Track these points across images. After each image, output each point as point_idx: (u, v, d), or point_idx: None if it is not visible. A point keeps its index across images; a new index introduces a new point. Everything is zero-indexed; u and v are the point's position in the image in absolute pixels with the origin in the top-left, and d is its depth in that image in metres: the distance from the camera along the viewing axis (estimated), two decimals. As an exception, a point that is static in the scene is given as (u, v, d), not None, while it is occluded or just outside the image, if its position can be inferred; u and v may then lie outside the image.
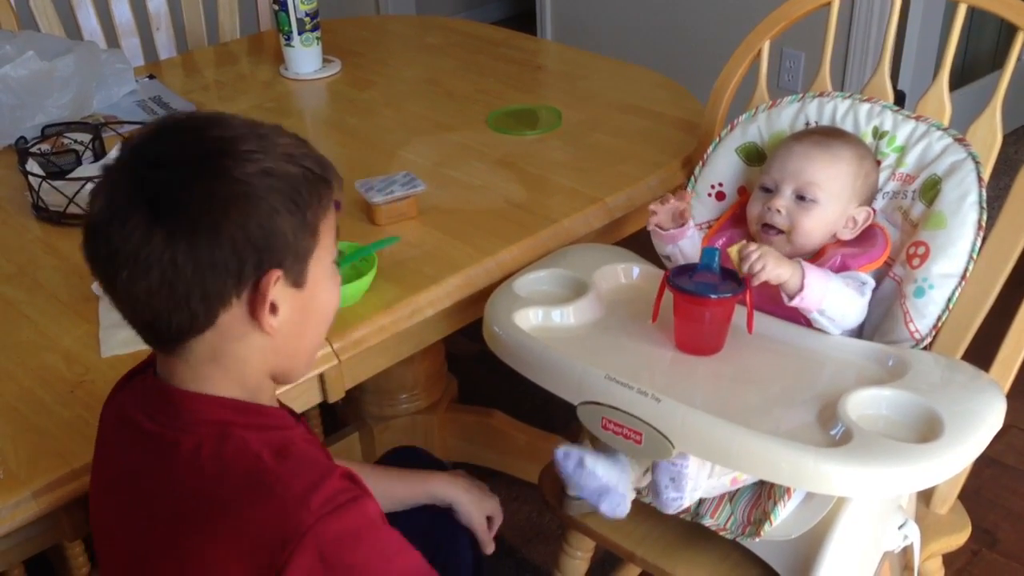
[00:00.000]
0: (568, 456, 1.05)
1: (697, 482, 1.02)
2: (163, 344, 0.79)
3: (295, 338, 0.81)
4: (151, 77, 1.87)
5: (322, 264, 0.80)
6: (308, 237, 0.78)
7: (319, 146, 1.71)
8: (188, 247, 0.72)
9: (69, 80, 1.64)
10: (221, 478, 0.75)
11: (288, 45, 1.83)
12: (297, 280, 0.78)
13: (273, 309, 0.77)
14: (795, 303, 1.08)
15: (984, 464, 1.86)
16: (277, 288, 0.76)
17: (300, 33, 1.80)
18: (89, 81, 1.68)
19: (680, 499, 1.03)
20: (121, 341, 1.11)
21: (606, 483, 1.05)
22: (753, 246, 1.06)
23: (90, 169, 1.41)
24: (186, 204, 0.72)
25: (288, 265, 0.76)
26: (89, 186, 1.32)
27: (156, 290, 0.73)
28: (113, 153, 0.98)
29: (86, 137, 1.51)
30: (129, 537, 0.82)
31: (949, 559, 1.46)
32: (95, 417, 1.00)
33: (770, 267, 1.05)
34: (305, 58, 1.83)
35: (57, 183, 1.35)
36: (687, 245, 1.23)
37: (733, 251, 1.07)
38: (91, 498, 0.90)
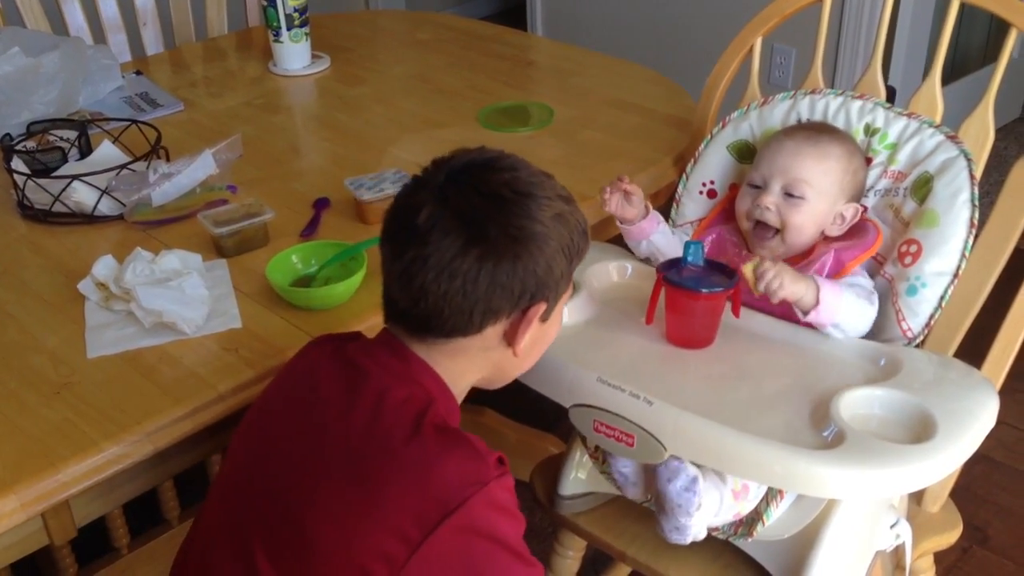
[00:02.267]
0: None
1: (702, 526, 1.02)
2: (423, 332, 0.88)
3: (520, 359, 0.92)
4: (138, 73, 1.85)
5: (562, 304, 0.93)
6: (566, 281, 0.90)
7: (308, 143, 1.71)
8: (492, 269, 0.84)
9: (55, 76, 1.62)
10: (417, 431, 0.82)
11: (277, 41, 1.81)
12: (547, 314, 0.90)
13: (521, 336, 0.88)
14: (810, 318, 1.07)
15: (974, 461, 1.83)
16: (536, 318, 0.88)
17: (289, 29, 1.79)
18: (75, 77, 1.67)
19: (684, 540, 1.03)
20: (108, 342, 1.10)
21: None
22: (768, 264, 1.04)
23: (76, 167, 1.40)
24: (497, 234, 0.84)
25: (550, 300, 0.89)
26: (75, 184, 1.32)
27: (452, 296, 0.84)
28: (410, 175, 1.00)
29: (72, 134, 1.49)
30: (289, 450, 0.87)
31: (940, 556, 1.46)
32: (81, 419, 0.99)
33: (787, 285, 1.04)
34: (294, 54, 1.82)
35: (42, 181, 1.34)
36: (661, 241, 1.21)
37: (748, 269, 1.05)
38: (249, 427, 0.93)
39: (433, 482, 0.79)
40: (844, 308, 1.08)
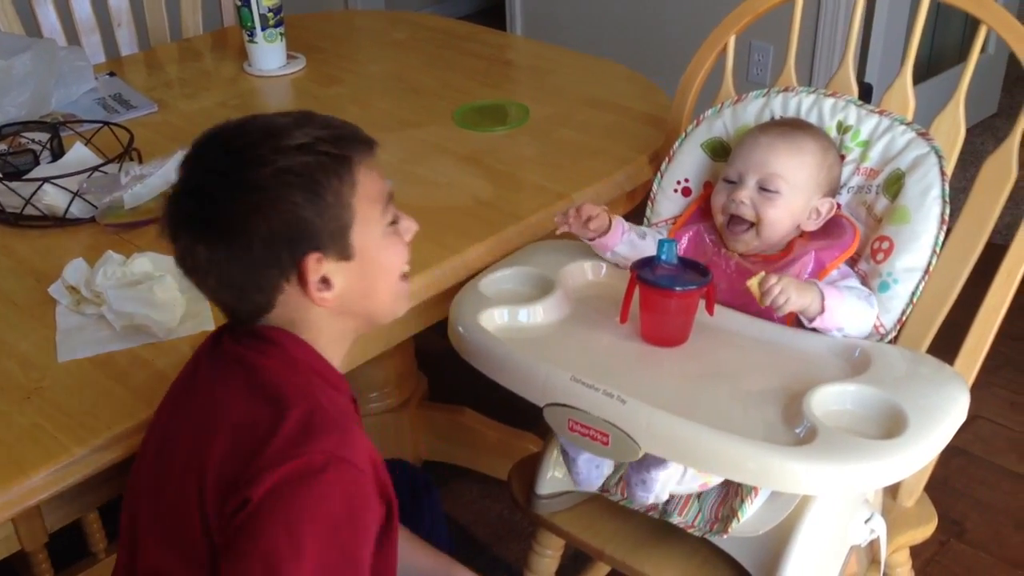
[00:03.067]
0: None
1: (665, 486, 1.02)
2: (244, 321, 0.88)
3: (362, 298, 0.89)
4: (111, 74, 1.83)
5: (368, 231, 0.88)
6: (340, 215, 0.85)
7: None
8: (227, 254, 0.83)
9: (26, 78, 1.61)
10: (283, 383, 0.83)
11: (251, 41, 1.80)
12: (342, 254, 0.86)
13: (326, 283, 0.86)
14: (815, 324, 1.08)
15: (951, 454, 1.87)
16: (323, 266, 0.85)
17: (263, 29, 1.78)
18: (47, 79, 1.65)
19: (646, 497, 1.03)
20: (79, 345, 1.09)
21: None
22: (773, 278, 1.04)
23: (48, 169, 1.39)
24: (215, 220, 0.83)
25: (326, 245, 0.85)
26: (46, 186, 1.31)
27: (220, 289, 0.86)
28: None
29: (44, 136, 1.48)
30: (187, 442, 0.86)
31: (917, 550, 1.47)
32: (52, 424, 0.99)
33: (794, 298, 1.04)
34: (269, 54, 1.81)
35: (13, 184, 1.32)
36: (624, 251, 1.21)
37: (753, 284, 1.05)
38: (153, 430, 0.94)
39: (250, 445, 0.80)
40: (847, 312, 1.09)
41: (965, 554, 1.72)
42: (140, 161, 1.42)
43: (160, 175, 1.31)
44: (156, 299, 1.09)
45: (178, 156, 1.34)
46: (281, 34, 1.81)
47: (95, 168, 1.34)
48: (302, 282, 0.85)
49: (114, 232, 1.30)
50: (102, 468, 0.97)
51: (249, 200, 0.82)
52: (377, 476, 0.83)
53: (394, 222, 0.92)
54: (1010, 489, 1.86)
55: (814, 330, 1.11)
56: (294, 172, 0.83)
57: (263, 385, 0.84)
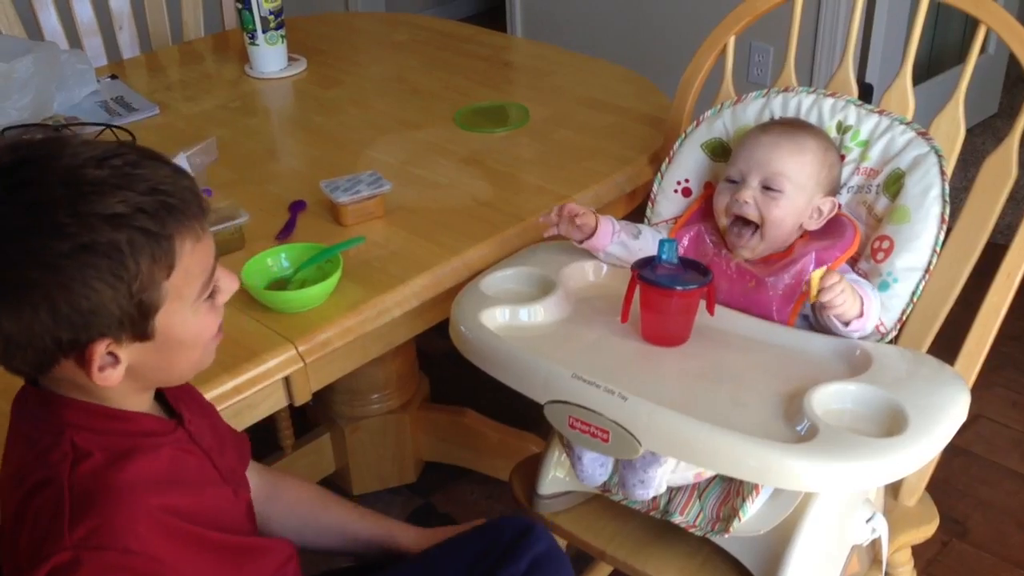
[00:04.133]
0: None
1: (663, 480, 1.03)
2: (22, 376, 0.79)
3: (159, 371, 0.79)
4: (113, 77, 1.84)
5: (177, 311, 0.76)
6: (147, 300, 0.73)
7: (284, 146, 1.70)
8: None
9: (28, 81, 1.61)
10: (35, 479, 0.74)
11: (252, 44, 1.81)
12: (141, 335, 0.74)
13: (115, 361, 0.74)
14: (852, 328, 1.09)
15: (953, 454, 1.87)
16: (111, 348, 0.73)
17: (264, 31, 1.79)
18: (49, 82, 1.66)
19: (647, 494, 1.04)
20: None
21: None
22: (836, 277, 1.04)
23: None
24: None
25: (118, 332, 0.73)
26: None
27: None
28: None
29: (46, 139, 1.48)
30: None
31: (919, 550, 1.47)
32: None
33: (848, 304, 1.05)
34: (270, 57, 1.82)
35: (15, 186, 1.33)
36: (618, 251, 1.21)
37: (816, 276, 1.05)
38: None
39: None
40: (874, 312, 1.10)
41: (967, 554, 1.72)
42: (142, 163, 1.42)
43: (161, 177, 1.31)
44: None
45: (180, 158, 1.35)
46: (282, 36, 1.82)
47: (97, 170, 1.35)
48: (81, 363, 0.73)
49: (116, 234, 1.31)
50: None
51: (36, 276, 0.68)
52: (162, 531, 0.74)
53: (211, 295, 0.79)
54: (1012, 489, 1.86)
55: (811, 327, 1.12)
56: (98, 252, 0.68)
57: (22, 483, 0.75)
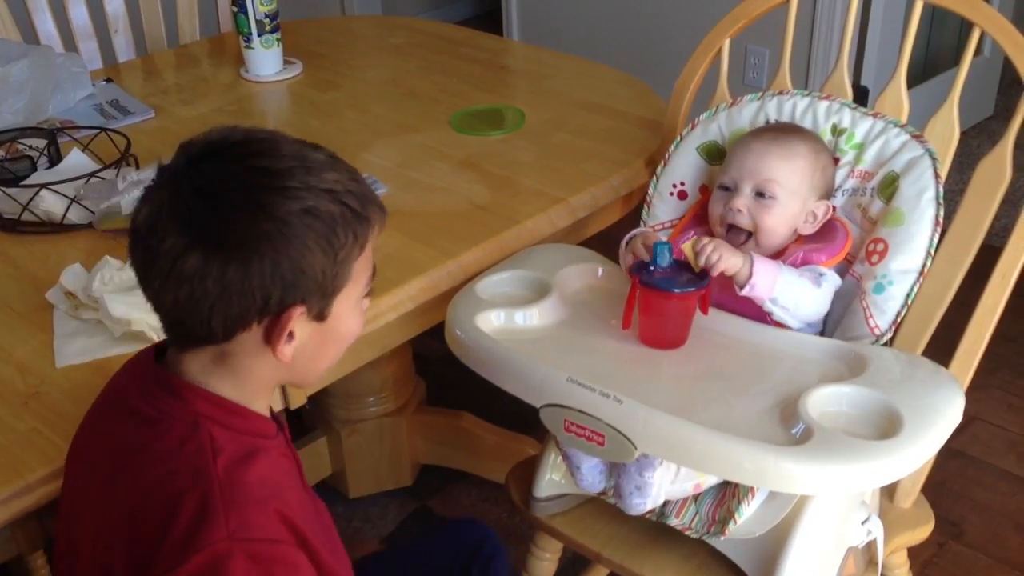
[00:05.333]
0: None
1: (660, 488, 1.03)
2: (180, 343, 0.81)
3: (309, 361, 0.83)
4: (108, 80, 1.84)
5: (349, 299, 0.83)
6: (339, 275, 0.80)
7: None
8: (219, 273, 0.74)
9: (24, 85, 1.61)
10: (174, 466, 0.76)
11: (248, 47, 1.81)
12: (320, 314, 0.81)
13: (290, 337, 0.79)
14: (746, 292, 1.09)
15: (949, 456, 1.87)
16: (297, 321, 0.79)
17: (260, 35, 1.79)
18: (44, 86, 1.66)
19: (643, 504, 1.03)
20: (77, 351, 1.09)
21: None
22: (706, 239, 1.07)
23: (45, 175, 1.39)
24: (224, 234, 0.74)
25: (313, 301, 0.79)
26: (44, 192, 1.31)
27: (183, 303, 0.76)
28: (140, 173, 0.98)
29: (41, 143, 1.48)
30: (95, 517, 0.81)
31: (915, 551, 1.47)
32: (50, 429, 0.99)
33: (725, 256, 1.07)
34: (265, 60, 1.82)
35: (11, 190, 1.33)
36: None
37: (687, 248, 1.08)
38: (66, 479, 0.88)
39: (160, 538, 0.73)
40: (782, 284, 1.09)
41: (964, 556, 1.72)
42: (137, 167, 1.42)
43: (157, 180, 1.31)
44: (153, 304, 1.09)
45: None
46: (278, 40, 1.82)
47: (92, 174, 1.35)
48: (271, 329, 0.78)
49: (111, 237, 1.31)
50: (100, 473, 0.97)
51: (269, 228, 0.74)
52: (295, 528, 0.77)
53: (367, 294, 0.86)
54: (1008, 491, 1.86)
55: (774, 323, 1.11)
56: (319, 217, 0.76)
57: (155, 465, 0.77)
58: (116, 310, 1.09)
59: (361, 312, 0.86)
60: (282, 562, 0.75)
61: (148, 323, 1.09)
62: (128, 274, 1.14)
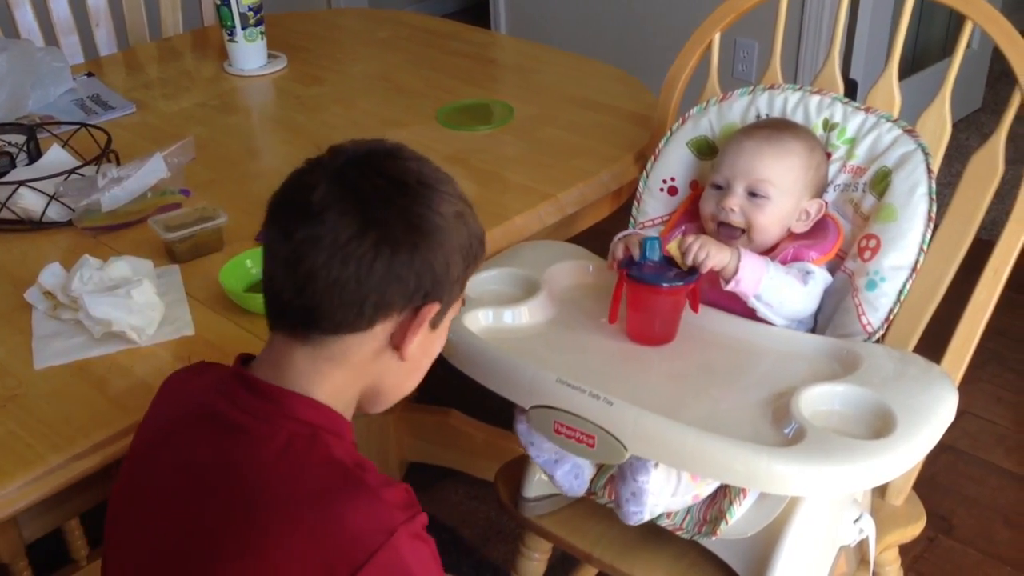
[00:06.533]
0: (524, 413, 1.03)
1: (659, 499, 1.01)
2: (307, 329, 0.80)
3: (406, 372, 0.86)
4: (89, 75, 1.81)
5: (450, 317, 0.86)
6: (460, 286, 0.84)
7: (265, 145, 1.68)
8: (389, 256, 0.77)
9: (3, 80, 1.59)
10: (308, 476, 0.76)
11: (231, 41, 1.78)
12: (436, 322, 0.84)
13: (413, 338, 0.82)
14: (731, 287, 1.08)
15: (939, 450, 1.85)
16: (426, 321, 0.81)
17: (243, 28, 1.76)
18: (24, 80, 1.63)
19: (640, 513, 1.02)
20: (56, 352, 1.07)
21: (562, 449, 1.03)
22: (691, 237, 1.06)
23: (24, 172, 1.37)
24: (397, 220, 0.78)
25: (443, 303, 0.83)
26: (23, 190, 1.29)
27: (344, 282, 0.77)
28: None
29: (20, 139, 1.46)
30: (172, 530, 0.79)
31: (906, 547, 1.46)
32: (28, 432, 0.97)
33: (713, 253, 1.06)
34: (249, 54, 1.79)
35: (-11, 187, 1.30)
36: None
37: (673, 247, 1.07)
38: (121, 486, 0.86)
39: (335, 540, 0.73)
40: (768, 280, 1.08)
41: (953, 550, 1.72)
42: (118, 163, 1.40)
43: (138, 178, 1.29)
44: (133, 304, 1.07)
45: (156, 158, 1.32)
46: (261, 33, 1.79)
47: (72, 171, 1.32)
48: (406, 324, 0.81)
49: (92, 235, 1.28)
50: (80, 477, 0.95)
51: (432, 223, 0.79)
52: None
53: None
54: (998, 485, 1.86)
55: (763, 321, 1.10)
56: (466, 224, 0.82)
57: (262, 468, 0.77)
58: (96, 310, 1.06)
59: (446, 336, 0.89)
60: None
61: (129, 323, 1.07)
62: (107, 273, 1.12)
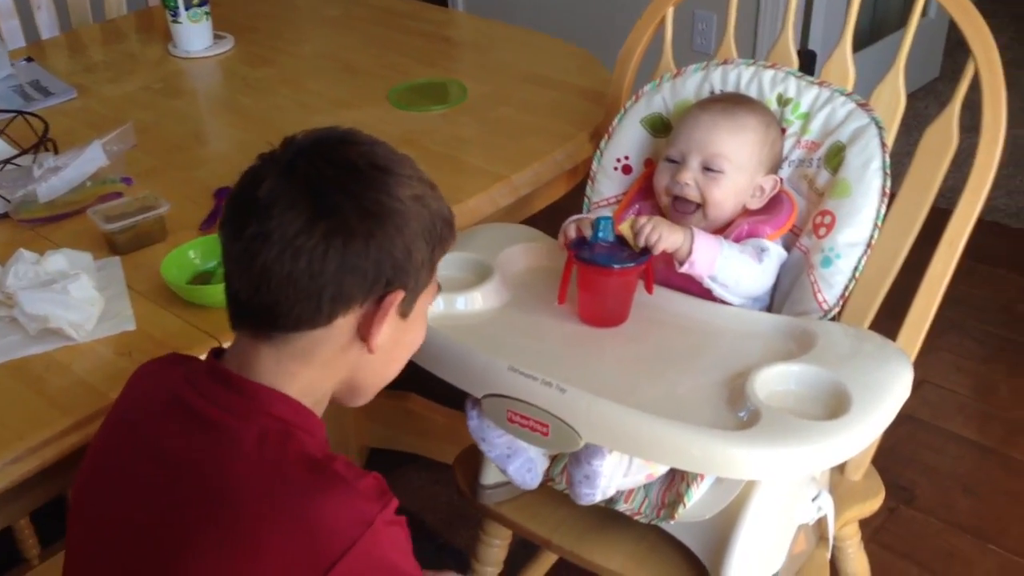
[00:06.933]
0: (475, 407, 1.02)
1: (611, 480, 1.00)
2: (267, 328, 0.79)
3: (380, 364, 0.84)
4: (29, 60, 1.75)
5: (424, 303, 0.84)
6: (428, 272, 0.82)
7: (211, 129, 1.63)
8: (342, 246, 0.75)
9: (-65, 66, 1.53)
10: (283, 471, 0.75)
11: (175, 21, 1.73)
12: (406, 310, 0.82)
13: (379, 329, 0.80)
14: (685, 269, 1.07)
15: (899, 421, 1.84)
16: (392, 311, 0.79)
17: (187, 8, 1.71)
18: (-42, 67, 1.57)
19: (592, 495, 1.01)
20: (-8, 351, 1.03)
21: (515, 442, 1.01)
22: (644, 219, 1.05)
23: (-43, 163, 1.32)
24: (350, 208, 0.76)
25: (409, 290, 0.80)
26: (-45, 182, 1.24)
27: (297, 277, 0.75)
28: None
29: (-46, 128, 1.41)
30: (140, 521, 0.77)
31: (866, 519, 1.46)
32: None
33: (665, 235, 1.04)
34: (194, 35, 1.74)
35: (-80, 180, 1.25)
36: None
37: (625, 228, 1.05)
38: (85, 477, 0.84)
39: (313, 534, 0.72)
40: (722, 260, 1.07)
41: (915, 520, 1.74)
42: (56, 152, 1.35)
43: (75, 167, 1.25)
44: (71, 299, 1.03)
45: (95, 145, 1.28)
46: (206, 13, 1.74)
47: (7, 161, 1.28)
48: (370, 315, 0.78)
49: (30, 227, 1.24)
50: (18, 481, 0.92)
51: (388, 209, 0.77)
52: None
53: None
54: (957, 453, 1.88)
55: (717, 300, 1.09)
56: (424, 205, 0.80)
57: (227, 466, 0.76)
58: (32, 307, 1.03)
59: (425, 324, 0.87)
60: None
61: (67, 320, 1.03)
62: (44, 267, 1.08)
